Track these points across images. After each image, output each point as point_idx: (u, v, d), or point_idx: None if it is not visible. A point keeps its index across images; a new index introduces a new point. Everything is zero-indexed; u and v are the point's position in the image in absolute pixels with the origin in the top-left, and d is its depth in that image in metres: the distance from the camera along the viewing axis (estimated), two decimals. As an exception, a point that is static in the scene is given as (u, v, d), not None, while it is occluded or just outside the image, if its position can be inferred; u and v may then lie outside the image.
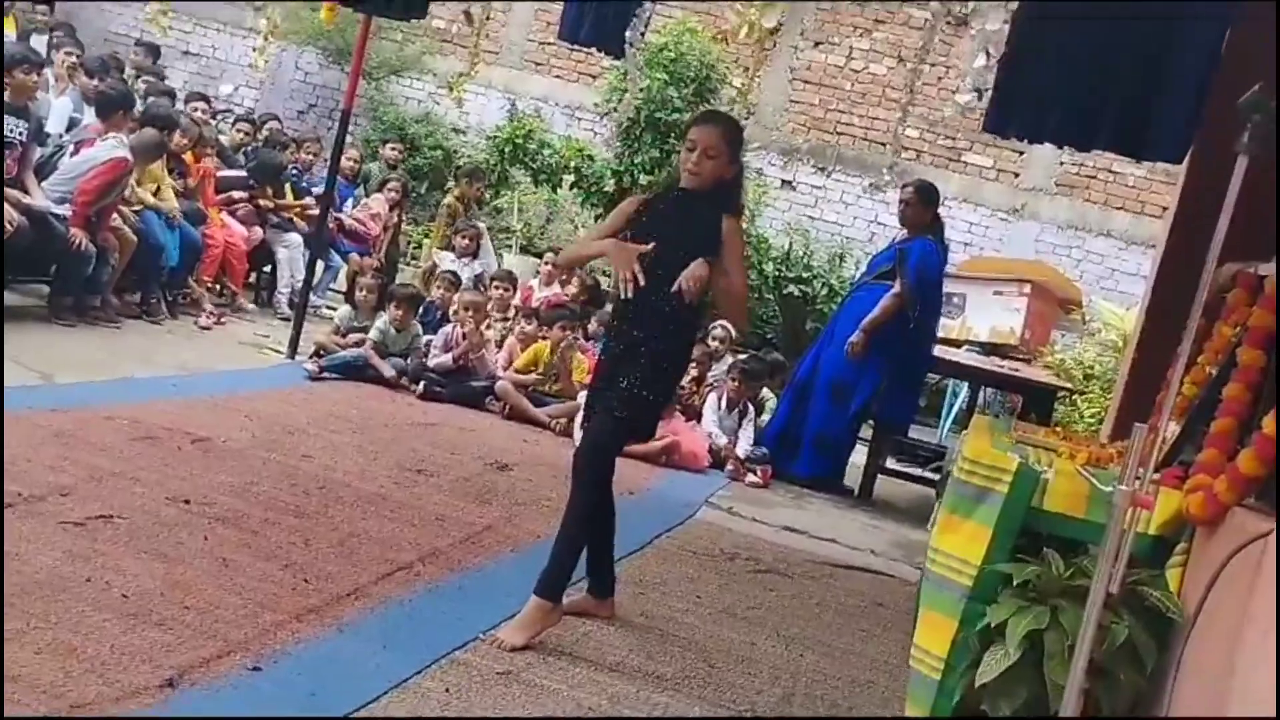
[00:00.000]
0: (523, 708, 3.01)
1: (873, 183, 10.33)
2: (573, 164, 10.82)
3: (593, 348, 6.93)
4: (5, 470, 3.81)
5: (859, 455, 7.04)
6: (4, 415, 4.20)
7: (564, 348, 7.03)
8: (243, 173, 8.71)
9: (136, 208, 7.13)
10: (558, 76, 12.84)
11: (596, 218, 10.77)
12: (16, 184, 6.33)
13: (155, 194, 7.36)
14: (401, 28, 11.85)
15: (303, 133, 10.87)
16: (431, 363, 7.01)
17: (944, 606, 3.10)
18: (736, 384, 7.05)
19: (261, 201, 8.66)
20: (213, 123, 9.28)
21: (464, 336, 7.05)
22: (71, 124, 7.64)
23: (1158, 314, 5.46)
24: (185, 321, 7.47)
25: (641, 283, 3.49)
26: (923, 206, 6.77)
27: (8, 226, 5.92)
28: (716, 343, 7.84)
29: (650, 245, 3.55)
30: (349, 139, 9.15)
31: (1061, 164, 11.62)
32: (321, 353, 7.03)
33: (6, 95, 6.30)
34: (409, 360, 7.07)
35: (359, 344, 7.10)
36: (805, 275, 11.02)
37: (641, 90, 10.01)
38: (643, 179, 10.10)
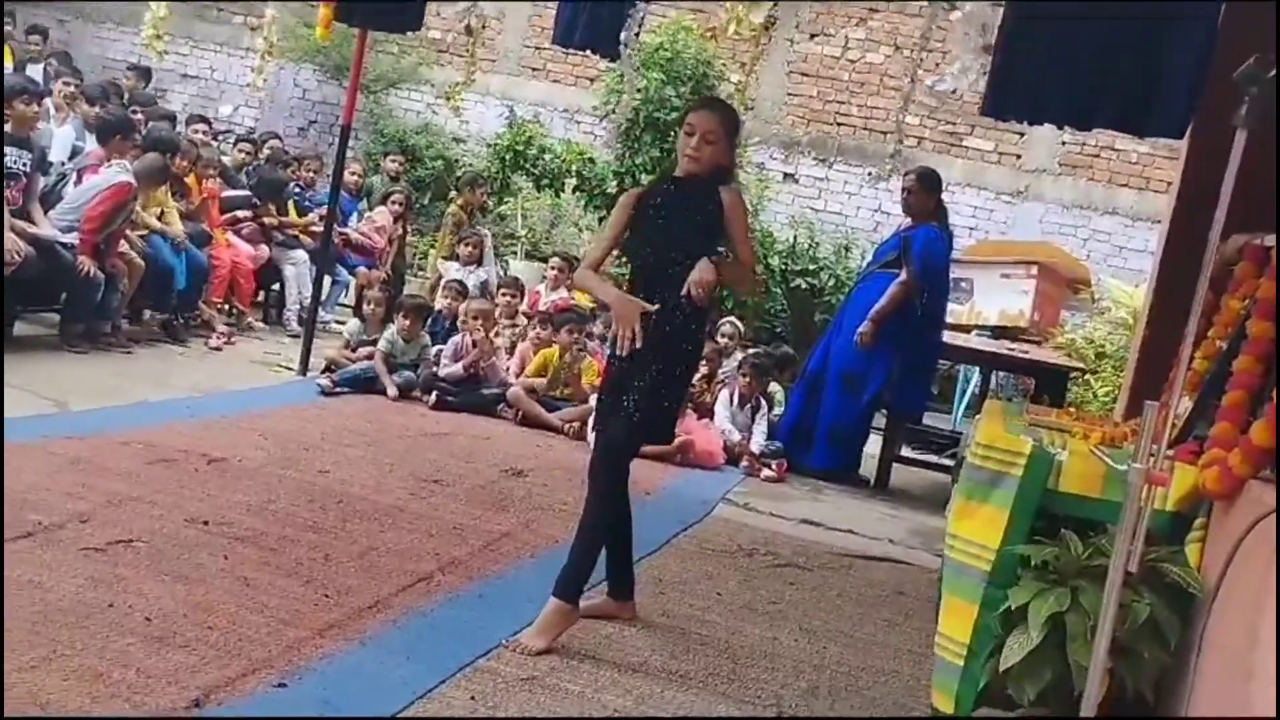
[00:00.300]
0: (548, 712, 3.02)
1: (874, 172, 10.34)
2: (574, 167, 10.83)
3: (602, 349, 6.93)
4: (25, 500, 3.84)
5: (873, 445, 7.03)
6: (3, 442, 4.23)
7: (575, 350, 7.04)
8: (246, 192, 8.74)
9: (143, 233, 7.17)
10: (555, 81, 12.85)
11: (600, 219, 10.77)
12: (22, 214, 6.36)
13: (160, 218, 7.40)
14: (397, 40, 11.87)
15: (304, 150, 10.90)
16: (442, 372, 7.02)
17: (965, 592, 3.11)
18: (747, 379, 7.05)
19: (266, 220, 8.70)
20: (214, 144, 9.32)
21: (473, 345, 7.06)
22: (75, 152, 7.68)
23: (1166, 290, 5.44)
24: (196, 343, 7.51)
25: (639, 345, 3.50)
26: (925, 193, 6.76)
27: (15, 257, 5.95)
28: (725, 339, 7.85)
29: (655, 305, 3.53)
30: (350, 153, 9.18)
31: (1063, 144, 11.59)
32: (333, 368, 7.05)
33: (8, 126, 6.33)
34: (419, 371, 7.09)
35: (369, 357, 7.12)
36: (811, 268, 11.01)
37: (639, 91, 10.01)
38: (644, 179, 10.09)
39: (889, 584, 4.83)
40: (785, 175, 12.28)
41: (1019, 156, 11.86)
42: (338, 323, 8.65)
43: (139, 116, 8.60)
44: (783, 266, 10.95)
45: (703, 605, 4.10)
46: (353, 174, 9.63)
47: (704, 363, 7.11)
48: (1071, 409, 6.14)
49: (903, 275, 6.58)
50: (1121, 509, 2.45)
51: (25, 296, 6.46)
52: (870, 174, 10.77)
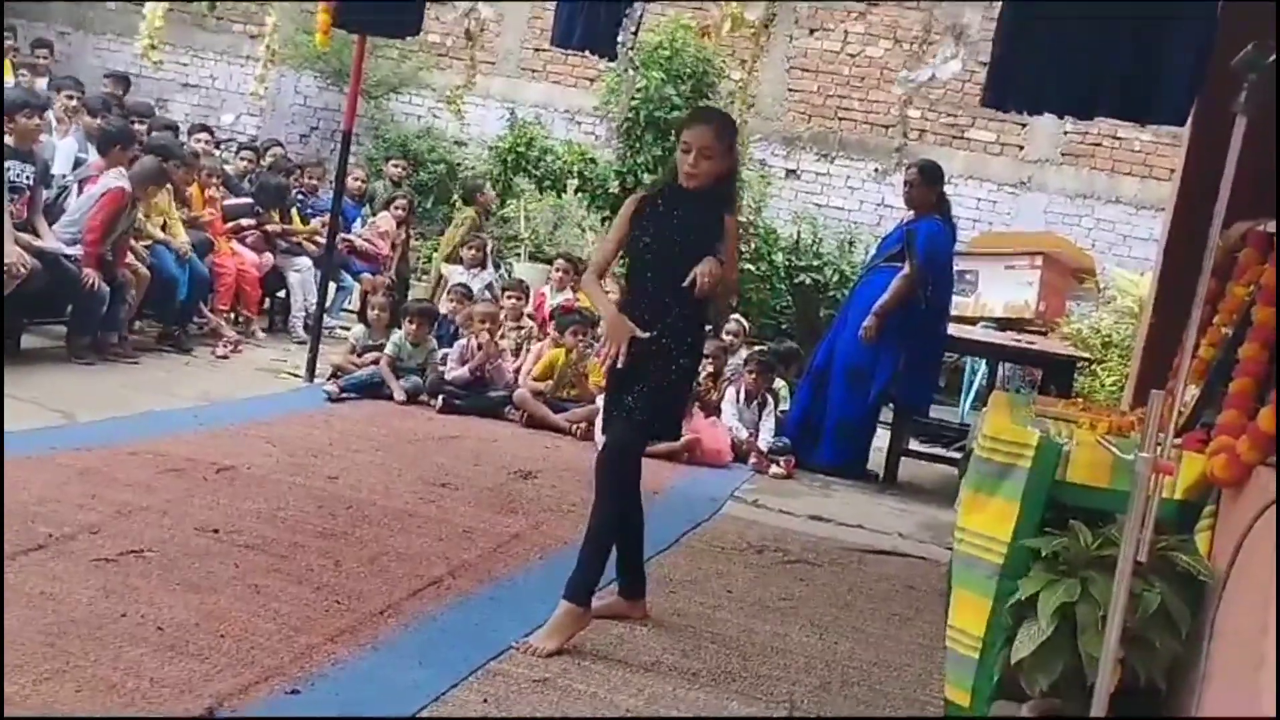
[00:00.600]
0: (561, 713, 3.03)
1: (880, 168, 10.33)
2: (576, 168, 10.83)
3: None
4: (35, 512, 3.86)
5: (881, 439, 7.02)
6: (3, 453, 4.24)
7: (581, 349, 7.04)
8: (249, 200, 8.76)
9: (147, 243, 7.19)
10: (555, 82, 12.85)
11: (603, 220, 10.78)
12: (27, 227, 6.38)
13: (164, 229, 7.42)
14: (397, 45, 11.88)
15: (306, 157, 10.93)
16: (448, 375, 7.03)
17: (975, 585, 3.11)
18: (754, 376, 7.06)
19: (269, 227, 8.72)
20: (216, 153, 9.34)
21: (479, 347, 7.07)
22: (77, 164, 7.70)
23: (1170, 278, 5.43)
24: (203, 352, 7.52)
25: (620, 365, 3.56)
26: (927, 186, 6.75)
27: (21, 270, 5.97)
28: (731, 336, 7.85)
29: (647, 334, 3.55)
30: (352, 159, 9.19)
31: (1065, 133, 11.57)
32: (339, 374, 7.07)
33: (11, 140, 6.35)
34: (425, 375, 7.09)
35: (375, 362, 7.14)
36: (815, 263, 11.01)
37: (639, 90, 10.02)
38: (646, 178, 10.10)
39: (899, 578, 4.83)
40: (788, 171, 12.28)
41: (1021, 147, 11.84)
42: (343, 328, 8.67)
43: (140, 127, 8.62)
44: (786, 263, 10.95)
45: (713, 603, 4.11)
46: (355, 180, 9.65)
47: (710, 360, 7.14)
48: (1079, 399, 6.13)
49: (906, 269, 6.57)
50: (1130, 498, 2.45)
51: (31, 309, 6.47)
52: (876, 169, 10.74)
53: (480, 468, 5.64)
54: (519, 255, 11.13)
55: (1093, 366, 8.65)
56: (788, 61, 12.28)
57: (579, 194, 10.99)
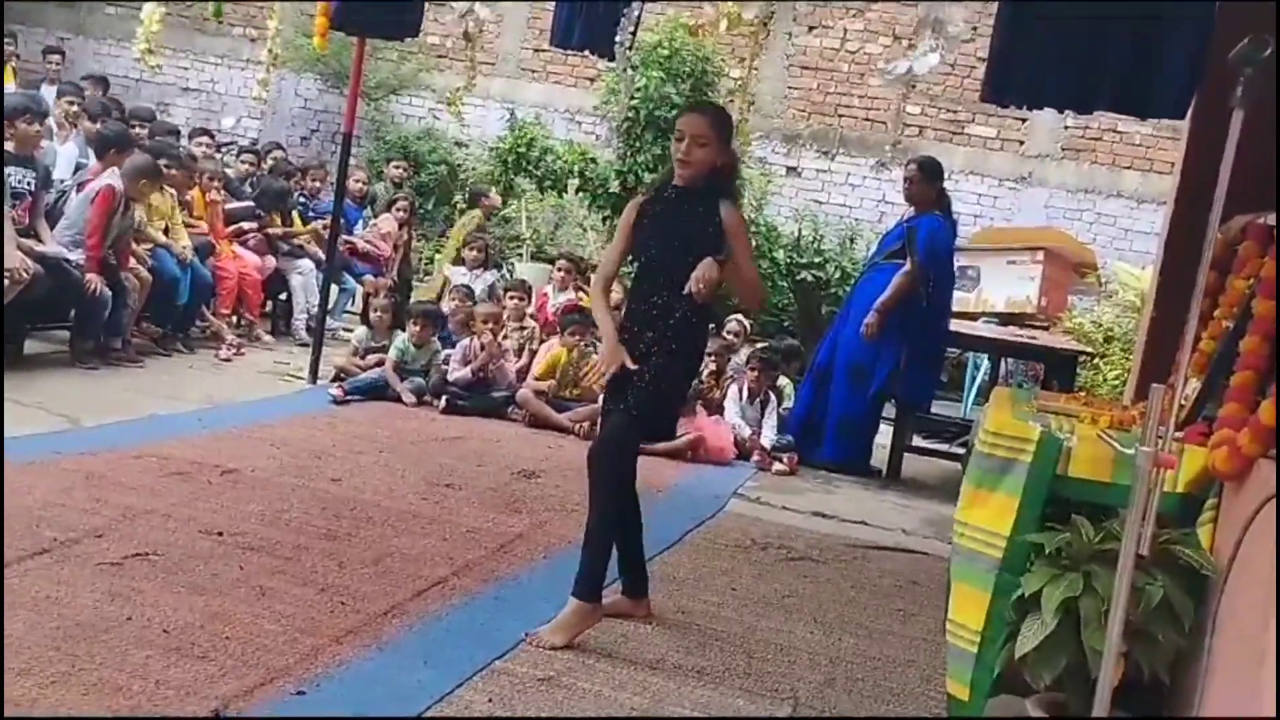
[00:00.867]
0: (565, 712, 3.04)
1: (880, 161, 10.34)
2: (576, 168, 10.84)
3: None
4: (40, 517, 3.87)
5: (884, 435, 7.03)
6: (3, 456, 4.27)
7: (582, 348, 7.05)
8: (250, 204, 8.77)
9: (149, 246, 7.20)
10: (555, 82, 12.86)
11: (604, 219, 10.79)
12: (29, 233, 6.39)
13: (166, 233, 7.43)
14: (396, 47, 11.88)
15: (307, 159, 10.94)
16: (451, 376, 7.04)
17: (975, 580, 3.11)
18: (756, 374, 7.06)
19: (270, 230, 8.73)
20: (218, 156, 9.35)
21: (482, 348, 7.08)
22: (78, 169, 7.72)
23: (1172, 271, 5.43)
24: (205, 355, 7.54)
25: (604, 379, 3.61)
26: (927, 182, 6.76)
27: (23, 275, 5.98)
28: (733, 335, 7.85)
29: (637, 369, 3.56)
30: (353, 161, 9.19)
31: (1066, 128, 11.56)
32: (342, 376, 7.08)
33: (12, 146, 6.37)
34: (429, 376, 7.10)
35: (379, 364, 7.15)
36: (817, 260, 11.01)
37: (639, 89, 10.02)
38: (646, 177, 10.11)
39: (903, 574, 4.84)
40: (788, 169, 12.28)
41: (1021, 142, 11.83)
42: (345, 330, 8.68)
43: (141, 131, 8.64)
44: (788, 260, 10.96)
45: (717, 600, 4.11)
46: (357, 182, 9.66)
47: (712, 359, 7.15)
48: (1081, 393, 6.13)
49: (907, 265, 6.57)
50: (1131, 493, 2.45)
51: (34, 314, 6.49)
52: (874, 164, 10.76)
53: (483, 468, 5.65)
54: (521, 256, 11.13)
55: (1095, 361, 8.64)
56: (787, 59, 12.28)
57: (580, 194, 11.00)
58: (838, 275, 10.82)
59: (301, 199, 9.42)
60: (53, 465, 4.50)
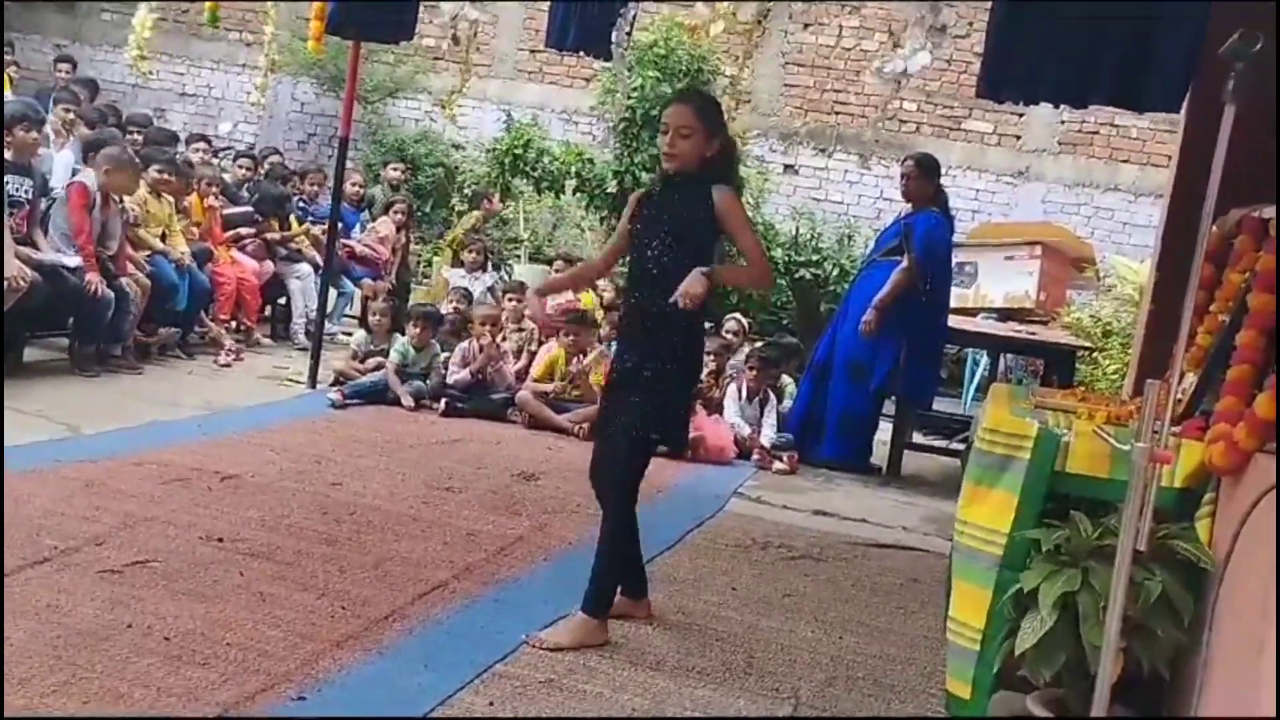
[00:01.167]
0: (567, 714, 3.04)
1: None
2: (573, 169, 10.82)
3: (608, 352, 6.94)
4: (40, 525, 3.88)
5: (884, 433, 7.02)
6: (2, 464, 4.29)
7: (579, 348, 7.06)
8: (248, 208, 8.78)
9: (146, 253, 7.21)
10: (551, 83, 12.86)
11: (602, 220, 10.79)
12: (27, 241, 6.40)
13: (164, 239, 7.44)
14: (392, 50, 11.89)
15: (305, 163, 10.94)
16: (451, 379, 7.04)
17: (976, 577, 3.12)
18: (755, 372, 7.06)
19: (268, 235, 8.73)
20: (215, 162, 9.36)
21: (481, 350, 7.08)
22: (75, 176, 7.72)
23: (1169, 265, 5.42)
24: (204, 361, 7.54)
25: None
26: (924, 179, 6.76)
27: (21, 283, 5.98)
28: (731, 335, 7.86)
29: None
30: (350, 164, 9.20)
31: (1063, 123, 11.56)
32: (342, 380, 7.08)
33: (9, 154, 6.37)
34: (429, 379, 7.11)
35: (378, 368, 7.15)
36: (815, 258, 10.99)
37: (635, 89, 10.02)
38: (644, 177, 10.10)
39: (904, 572, 4.84)
40: (785, 167, 12.28)
41: (1018, 137, 11.84)
42: (345, 334, 8.68)
43: (138, 138, 8.65)
44: (786, 258, 10.94)
45: (718, 600, 4.12)
46: (353, 185, 9.67)
47: (711, 358, 7.15)
48: (1080, 388, 6.12)
49: (905, 262, 6.57)
50: (1128, 488, 2.45)
51: (33, 322, 6.49)
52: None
53: (483, 470, 5.65)
54: (519, 257, 11.14)
55: (1094, 355, 8.63)
56: (783, 57, 12.28)
57: (577, 194, 10.99)
58: (836, 273, 10.81)
59: (300, 203, 9.43)
60: (53, 473, 4.51)
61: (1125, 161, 11.65)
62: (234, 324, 8.31)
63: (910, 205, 6.84)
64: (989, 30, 5.66)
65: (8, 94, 8.91)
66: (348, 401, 6.80)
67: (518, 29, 12.75)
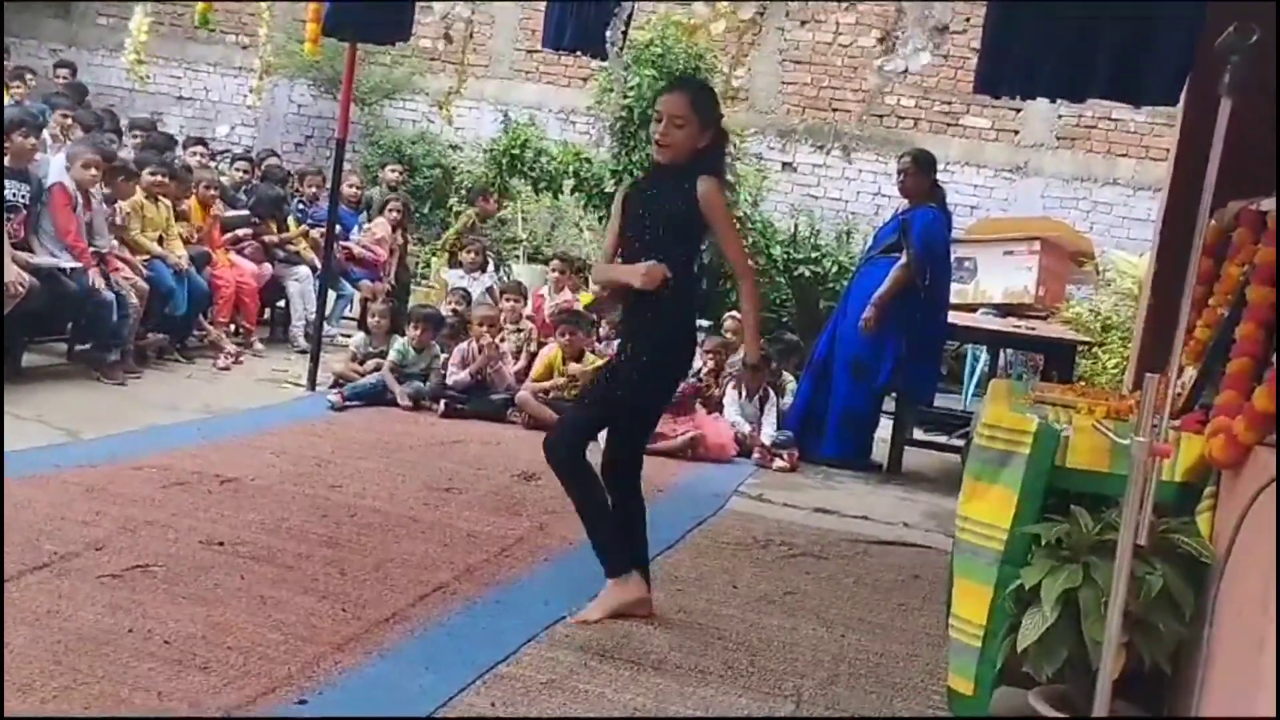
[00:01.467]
0: (569, 714, 3.03)
1: (844, 146, 10.36)
2: (571, 168, 10.83)
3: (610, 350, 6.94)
4: (40, 530, 3.87)
5: (884, 429, 7.02)
6: (2, 470, 4.29)
7: (574, 348, 7.06)
8: (245, 211, 8.77)
9: (145, 258, 7.20)
10: (549, 83, 12.85)
11: (600, 219, 10.78)
12: (24, 247, 6.39)
13: (162, 244, 7.43)
14: (388, 51, 11.89)
15: (303, 166, 10.93)
16: (450, 380, 7.04)
17: (977, 573, 3.11)
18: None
19: (266, 237, 8.73)
20: (212, 165, 9.35)
21: (480, 350, 7.08)
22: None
23: (1168, 258, 5.42)
24: (203, 364, 7.54)
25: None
26: (921, 175, 6.75)
27: (19, 289, 5.97)
28: (730, 333, 7.85)
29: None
30: (347, 166, 9.19)
31: (1060, 117, 11.55)
32: (341, 382, 7.08)
33: (7, 159, 6.37)
34: (428, 380, 7.10)
35: (377, 370, 7.15)
36: (814, 255, 10.99)
37: (632, 88, 10.02)
38: (642, 176, 10.10)
39: (905, 569, 4.83)
40: (783, 164, 12.27)
41: (1016, 133, 11.83)
42: (344, 336, 8.68)
43: (136, 141, 8.64)
44: (785, 255, 10.95)
45: (719, 599, 4.11)
46: (351, 187, 9.66)
47: (710, 356, 7.15)
48: (1080, 383, 6.12)
49: (904, 258, 6.57)
50: (1127, 482, 2.45)
51: (32, 327, 6.49)
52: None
53: (483, 471, 5.65)
54: (518, 257, 11.13)
55: (1094, 350, 8.64)
56: (780, 54, 12.27)
57: (575, 194, 10.99)
58: (835, 270, 10.81)
59: (299, 205, 9.42)
60: (53, 478, 4.50)
61: (1124, 155, 11.64)
62: (233, 327, 8.30)
63: (908, 201, 6.84)
64: (985, 25, 5.65)
65: (7, 99, 8.91)
66: (347, 404, 6.80)
67: (514, 29, 12.74)
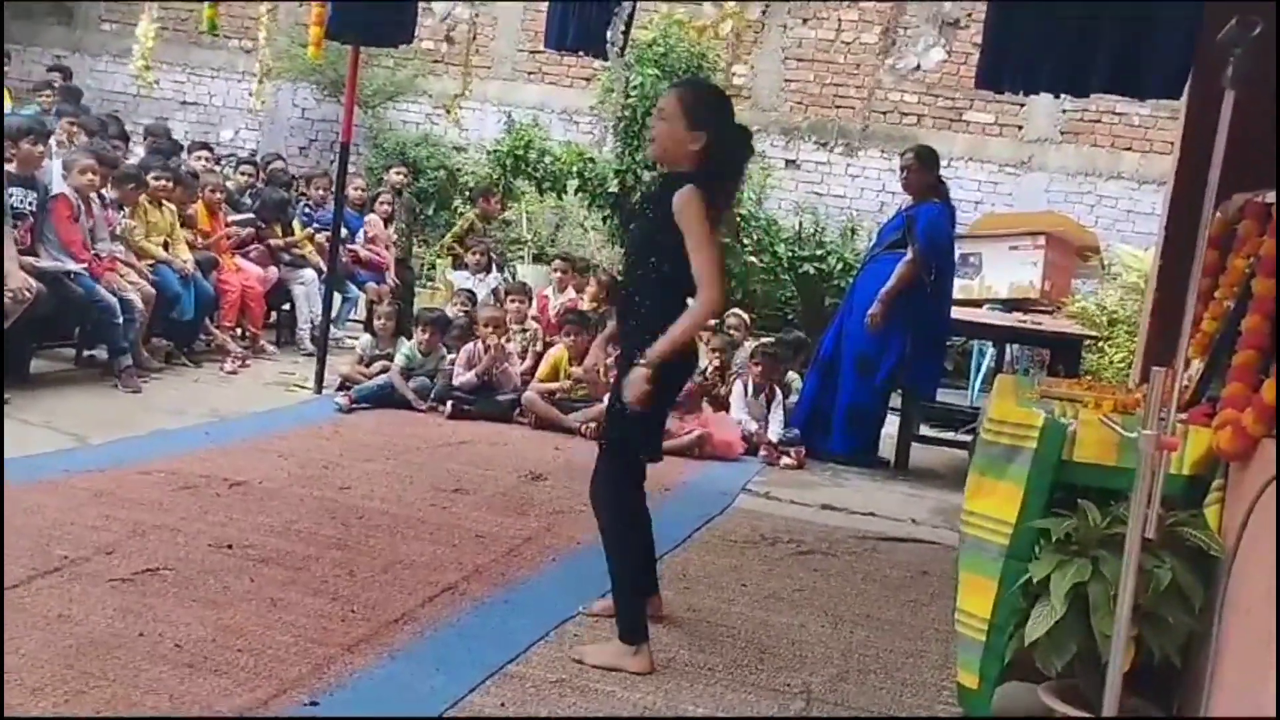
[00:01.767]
0: (580, 714, 3.04)
1: (848, 144, 10.36)
2: (575, 169, 10.85)
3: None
4: (50, 535, 3.89)
5: (891, 426, 7.02)
6: (2, 470, 4.32)
7: (580, 347, 7.06)
8: (250, 215, 8.79)
9: (150, 263, 7.22)
10: (551, 83, 12.86)
11: (604, 219, 10.80)
12: (30, 254, 6.41)
13: (167, 249, 7.45)
14: (391, 54, 11.90)
15: (308, 169, 10.95)
16: (456, 381, 7.05)
17: (983, 568, 3.12)
18: (760, 368, 7.06)
19: (271, 241, 8.74)
20: (217, 169, 9.37)
21: (486, 351, 7.09)
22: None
23: (1173, 252, 5.41)
24: (211, 368, 7.55)
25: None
26: (924, 171, 6.75)
27: (25, 295, 5.99)
28: (734, 331, 7.85)
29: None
30: (352, 168, 9.20)
31: (1064, 112, 11.53)
32: (348, 385, 7.09)
33: (14, 166, 6.38)
34: (435, 382, 7.11)
35: (384, 372, 7.16)
36: (819, 252, 11.00)
37: (634, 88, 10.03)
38: (646, 176, 10.11)
39: (913, 565, 4.84)
40: (787, 162, 12.27)
41: (1020, 127, 11.81)
42: (350, 338, 8.69)
43: (140, 148, 8.66)
44: (789, 253, 10.95)
45: (728, 597, 4.12)
46: (356, 189, 9.66)
47: (716, 355, 7.15)
48: (1087, 377, 6.11)
49: (909, 254, 6.56)
50: (1135, 476, 2.45)
51: (39, 333, 6.51)
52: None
53: (491, 472, 5.66)
54: (523, 258, 11.15)
55: (1100, 344, 8.62)
56: (783, 52, 12.27)
57: (579, 194, 11.01)
58: (840, 267, 10.81)
59: (306, 209, 9.43)
60: (62, 483, 4.52)
61: (1128, 149, 11.62)
62: (239, 331, 8.32)
63: (911, 197, 6.83)
64: (987, 20, 5.66)
65: (34, 109, 8.96)
66: (355, 406, 6.81)
67: (516, 30, 12.75)
